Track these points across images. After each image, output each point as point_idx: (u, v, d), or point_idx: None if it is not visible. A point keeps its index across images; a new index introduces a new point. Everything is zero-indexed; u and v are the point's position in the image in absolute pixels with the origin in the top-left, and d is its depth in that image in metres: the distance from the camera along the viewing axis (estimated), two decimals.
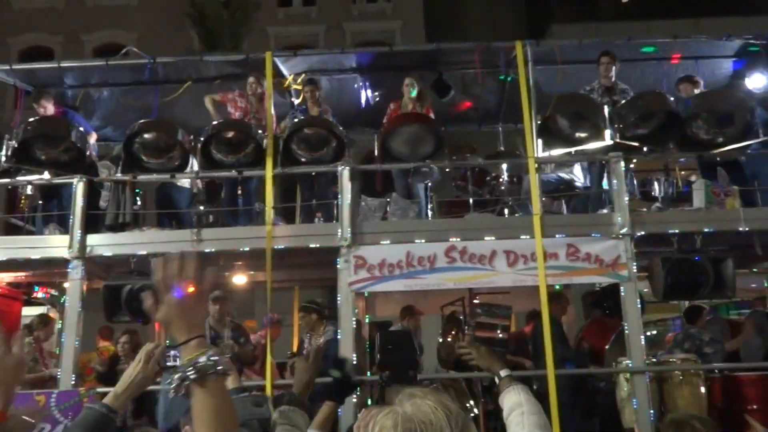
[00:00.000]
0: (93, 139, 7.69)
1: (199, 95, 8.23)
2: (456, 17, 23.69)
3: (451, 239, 6.56)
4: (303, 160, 6.95)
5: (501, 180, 7.64)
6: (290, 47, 17.46)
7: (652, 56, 8.16)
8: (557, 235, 6.56)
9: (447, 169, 8.15)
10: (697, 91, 7.45)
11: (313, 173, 7.07)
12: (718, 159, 7.12)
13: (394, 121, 6.94)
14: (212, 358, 1.46)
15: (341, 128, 7.08)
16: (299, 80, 8.13)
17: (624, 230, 6.47)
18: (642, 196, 8.28)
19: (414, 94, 7.24)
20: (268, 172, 6.82)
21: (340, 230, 6.54)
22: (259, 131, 6.92)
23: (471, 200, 7.45)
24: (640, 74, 8.29)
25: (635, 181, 8.36)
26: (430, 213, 7.63)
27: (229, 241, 6.71)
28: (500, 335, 6.72)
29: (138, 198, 8.10)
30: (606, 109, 6.75)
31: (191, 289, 1.50)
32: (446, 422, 1.33)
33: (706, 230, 6.49)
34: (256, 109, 7.25)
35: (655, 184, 8.41)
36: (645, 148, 6.83)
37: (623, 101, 6.91)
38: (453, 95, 8.27)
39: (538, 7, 24.32)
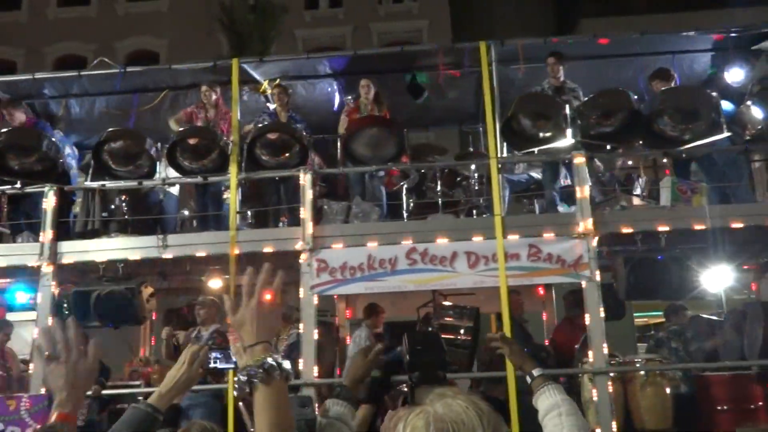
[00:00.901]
0: (69, 149, 7.87)
1: (177, 103, 8.40)
2: (483, 15, 23.52)
3: (412, 241, 6.57)
4: (267, 164, 7.01)
5: (471, 181, 7.62)
6: (318, 49, 17.58)
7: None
8: (519, 236, 6.53)
9: (422, 171, 8.16)
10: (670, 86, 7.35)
11: (277, 177, 7.12)
12: (684, 155, 7.01)
13: (355, 124, 6.97)
14: (278, 361, 1.60)
15: (308, 132, 7.15)
16: (274, 85, 8.22)
17: (586, 230, 6.42)
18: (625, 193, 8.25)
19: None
20: (233, 177, 6.92)
21: (301, 234, 6.60)
22: (223, 138, 7.00)
23: (440, 201, 7.43)
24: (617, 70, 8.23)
25: (615, 178, 8.32)
26: (405, 215, 7.66)
27: (194, 246, 6.80)
28: (463, 337, 6.71)
29: (124, 204, 8.31)
30: (567, 108, 6.70)
31: (269, 297, 1.64)
32: (478, 421, 1.33)
33: (664, 228, 6.40)
34: (212, 115, 7.34)
35: (639, 180, 8.39)
36: (608, 146, 6.75)
37: (585, 99, 6.85)
38: (427, 97, 8.29)
39: (567, 3, 23.97)
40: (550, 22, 24.50)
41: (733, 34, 7.44)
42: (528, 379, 2.43)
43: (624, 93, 6.67)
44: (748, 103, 6.73)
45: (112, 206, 8.01)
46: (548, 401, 2.25)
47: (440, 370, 2.78)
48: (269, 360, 1.58)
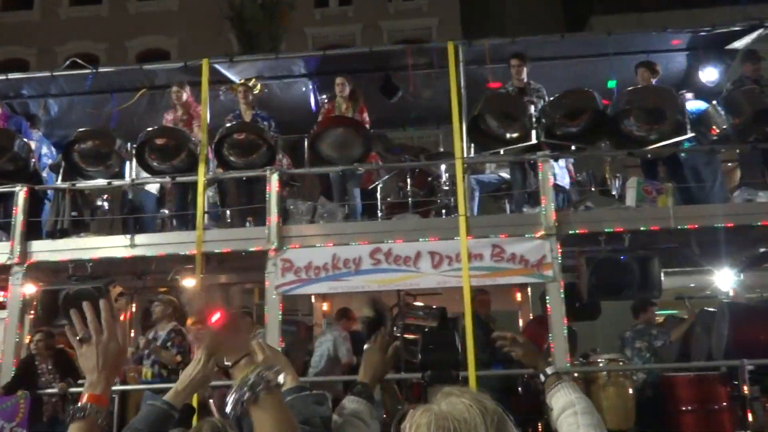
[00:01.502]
0: (47, 149, 7.96)
1: (154, 102, 8.46)
2: (493, 12, 23.47)
3: (376, 241, 6.60)
4: (235, 165, 7.05)
5: (441, 181, 7.63)
6: (327, 47, 17.67)
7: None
8: (483, 236, 6.55)
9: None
10: (654, 80, 7.32)
11: (244, 178, 7.17)
12: (649, 156, 7.00)
13: (320, 125, 7.00)
14: (261, 374, 1.56)
15: (276, 131, 7.19)
16: (239, 83, 8.26)
17: (549, 230, 6.43)
18: (601, 193, 8.25)
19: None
20: (200, 177, 6.97)
21: (267, 234, 6.65)
22: (192, 138, 7.05)
23: (410, 201, 7.45)
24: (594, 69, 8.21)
25: (592, 179, 8.31)
26: (379, 214, 7.69)
27: (162, 246, 6.86)
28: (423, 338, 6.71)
29: (105, 203, 8.38)
30: (532, 108, 6.70)
31: (220, 316, 1.63)
32: (481, 420, 1.31)
33: (629, 228, 6.40)
34: (182, 116, 7.39)
35: (613, 181, 8.36)
36: (573, 147, 6.74)
37: (551, 99, 6.85)
38: (401, 95, 8.29)
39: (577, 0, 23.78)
40: (560, 19, 24.34)
41: (702, 33, 7.40)
42: (541, 378, 2.38)
43: (589, 93, 6.67)
44: (714, 103, 6.70)
45: (98, 205, 8.13)
46: (563, 400, 2.19)
47: (453, 370, 2.77)
48: (252, 376, 1.56)
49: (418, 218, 6.99)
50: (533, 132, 6.66)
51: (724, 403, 6.50)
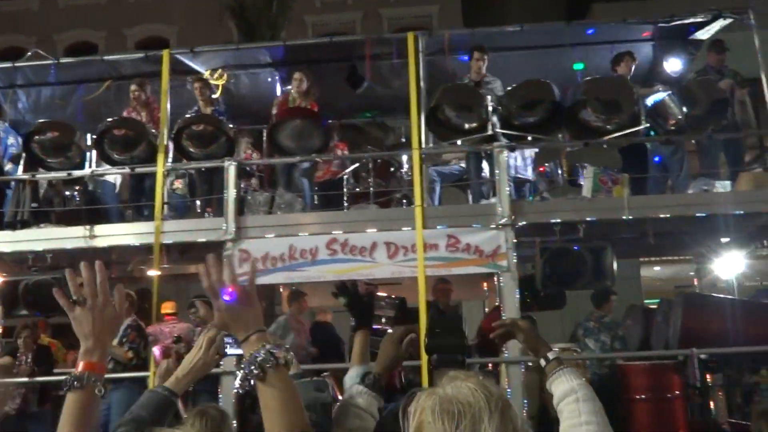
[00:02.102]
0: (13, 139, 7.96)
1: (121, 93, 8.46)
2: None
3: (333, 232, 6.63)
4: (195, 156, 7.07)
5: (402, 171, 7.65)
6: (327, 34, 17.64)
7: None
8: (438, 226, 6.58)
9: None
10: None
11: (203, 168, 7.19)
12: (605, 147, 7.02)
13: (279, 116, 7.02)
14: (271, 350, 1.52)
15: (235, 124, 7.22)
16: (215, 75, 8.27)
17: (504, 220, 6.45)
18: (569, 184, 8.27)
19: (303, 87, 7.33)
20: (159, 168, 7.00)
21: (225, 225, 6.68)
22: (151, 130, 7.08)
23: (371, 191, 7.48)
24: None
25: (561, 169, 8.32)
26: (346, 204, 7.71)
27: (121, 236, 6.90)
28: (383, 327, 6.77)
29: (77, 195, 8.40)
30: (489, 99, 6.72)
31: (235, 290, 1.57)
32: (485, 404, 1.30)
33: (584, 219, 6.43)
34: (142, 112, 7.40)
35: (581, 171, 8.38)
36: (530, 138, 6.76)
37: (509, 89, 6.86)
38: (367, 86, 8.29)
39: None
40: (562, 7, 24.14)
41: (662, 24, 7.40)
42: (542, 363, 2.34)
43: (546, 84, 6.67)
44: (670, 93, 6.71)
45: (67, 194, 8.15)
46: (563, 386, 2.15)
47: (459, 355, 2.76)
48: (261, 352, 1.51)
49: (376, 209, 7.01)
50: (490, 123, 6.67)
51: (677, 392, 6.57)
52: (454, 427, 1.27)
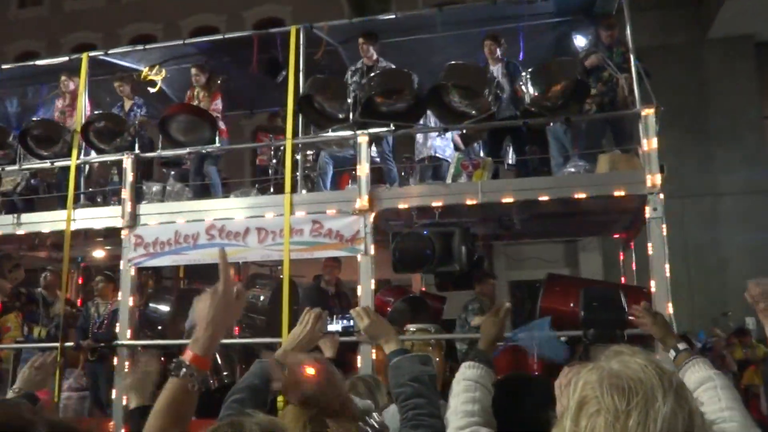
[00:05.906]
0: None
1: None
2: None
3: (211, 218, 7.21)
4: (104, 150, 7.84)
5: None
6: (439, 5, 17.61)
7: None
8: (306, 212, 6.99)
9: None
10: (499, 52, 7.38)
11: (108, 162, 7.94)
12: (465, 131, 7.10)
13: (166, 111, 7.62)
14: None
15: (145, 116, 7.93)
16: (153, 71, 8.97)
17: (361, 207, 6.77)
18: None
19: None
20: (73, 161, 7.82)
21: (122, 213, 7.41)
22: (66, 128, 7.92)
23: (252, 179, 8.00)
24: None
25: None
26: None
27: (39, 224, 7.80)
28: (260, 304, 7.35)
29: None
30: (351, 88, 6.98)
31: (312, 371, 1.69)
32: (658, 381, 1.20)
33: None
34: (67, 104, 8.23)
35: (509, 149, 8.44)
36: (392, 125, 6.97)
37: (371, 76, 7.08)
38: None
39: None
40: None
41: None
42: (672, 353, 2.38)
43: (405, 74, 6.86)
44: (526, 74, 6.67)
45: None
46: (698, 374, 2.23)
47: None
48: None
49: (255, 195, 7.50)
50: (352, 112, 6.94)
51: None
52: (625, 404, 1.18)
